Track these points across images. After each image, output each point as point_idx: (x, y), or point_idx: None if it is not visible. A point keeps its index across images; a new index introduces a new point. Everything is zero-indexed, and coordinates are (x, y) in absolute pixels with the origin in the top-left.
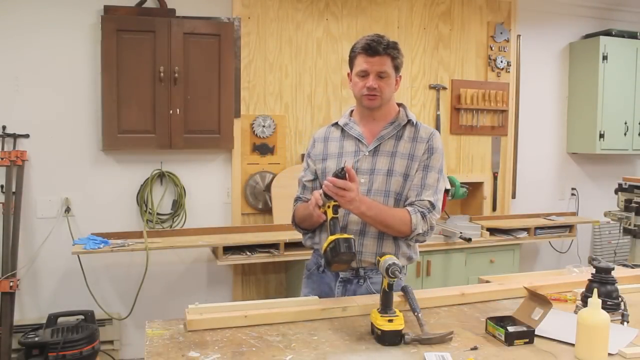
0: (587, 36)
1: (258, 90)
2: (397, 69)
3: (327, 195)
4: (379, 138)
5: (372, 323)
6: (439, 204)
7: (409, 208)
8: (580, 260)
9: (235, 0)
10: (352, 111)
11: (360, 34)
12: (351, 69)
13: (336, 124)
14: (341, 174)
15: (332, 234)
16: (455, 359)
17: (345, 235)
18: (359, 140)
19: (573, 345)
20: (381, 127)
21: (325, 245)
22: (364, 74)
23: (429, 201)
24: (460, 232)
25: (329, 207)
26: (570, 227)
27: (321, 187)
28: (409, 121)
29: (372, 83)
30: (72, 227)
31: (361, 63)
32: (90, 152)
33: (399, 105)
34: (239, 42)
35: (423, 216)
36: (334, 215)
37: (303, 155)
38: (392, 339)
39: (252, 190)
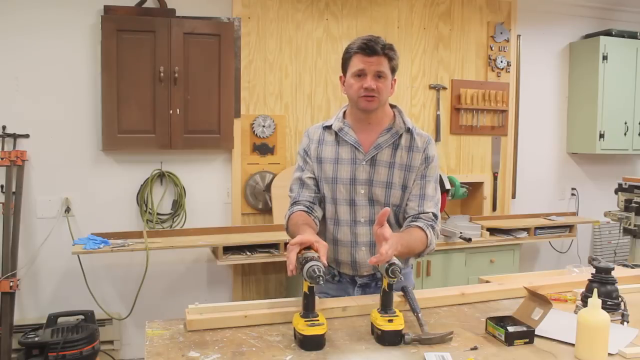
0: (587, 36)
1: (258, 90)
2: (393, 70)
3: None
4: (376, 147)
5: (372, 323)
6: (439, 215)
7: (419, 224)
8: (580, 260)
9: (235, 0)
10: (344, 112)
11: (361, 34)
12: (345, 71)
13: (329, 127)
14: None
15: (304, 310)
16: (455, 359)
17: (318, 331)
18: (355, 147)
19: (573, 345)
20: (377, 134)
21: (294, 326)
22: (361, 74)
23: (433, 212)
24: (460, 232)
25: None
26: (570, 227)
27: (318, 187)
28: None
29: (370, 83)
30: (72, 227)
31: (358, 63)
32: (90, 152)
33: (392, 107)
34: (239, 42)
35: (433, 229)
36: (308, 292)
37: None
38: (392, 339)
39: (252, 190)
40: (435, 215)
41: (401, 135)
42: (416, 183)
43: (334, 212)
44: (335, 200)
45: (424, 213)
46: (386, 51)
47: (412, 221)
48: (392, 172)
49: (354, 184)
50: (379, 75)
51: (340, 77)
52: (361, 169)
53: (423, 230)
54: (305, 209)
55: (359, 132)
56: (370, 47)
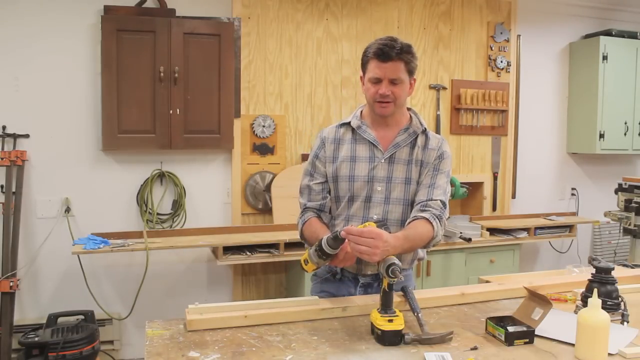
0: (587, 36)
1: (258, 90)
2: (411, 72)
3: (323, 253)
4: (395, 145)
5: (372, 323)
6: (448, 204)
7: (425, 215)
8: (580, 260)
9: (235, 0)
10: (361, 111)
11: (361, 34)
12: (364, 73)
13: (347, 124)
14: (337, 239)
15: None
16: (455, 359)
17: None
18: (373, 145)
19: (573, 345)
20: (395, 133)
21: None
22: (376, 81)
23: (441, 200)
24: (460, 232)
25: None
26: (570, 227)
27: (329, 192)
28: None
29: (384, 90)
30: (72, 227)
31: (373, 69)
32: (90, 152)
33: (408, 109)
34: (239, 42)
35: (440, 219)
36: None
37: (303, 156)
38: (392, 339)
39: (252, 190)
40: (443, 203)
41: (417, 135)
42: (428, 174)
43: (347, 208)
44: (351, 197)
45: (432, 200)
46: (402, 55)
47: (420, 211)
48: (410, 168)
49: (372, 181)
50: (394, 82)
51: (361, 77)
52: (380, 166)
53: (429, 221)
54: (316, 216)
55: (377, 131)
56: (385, 53)
